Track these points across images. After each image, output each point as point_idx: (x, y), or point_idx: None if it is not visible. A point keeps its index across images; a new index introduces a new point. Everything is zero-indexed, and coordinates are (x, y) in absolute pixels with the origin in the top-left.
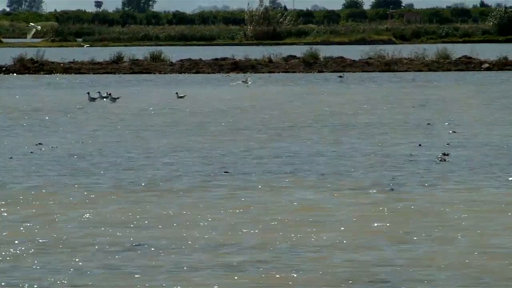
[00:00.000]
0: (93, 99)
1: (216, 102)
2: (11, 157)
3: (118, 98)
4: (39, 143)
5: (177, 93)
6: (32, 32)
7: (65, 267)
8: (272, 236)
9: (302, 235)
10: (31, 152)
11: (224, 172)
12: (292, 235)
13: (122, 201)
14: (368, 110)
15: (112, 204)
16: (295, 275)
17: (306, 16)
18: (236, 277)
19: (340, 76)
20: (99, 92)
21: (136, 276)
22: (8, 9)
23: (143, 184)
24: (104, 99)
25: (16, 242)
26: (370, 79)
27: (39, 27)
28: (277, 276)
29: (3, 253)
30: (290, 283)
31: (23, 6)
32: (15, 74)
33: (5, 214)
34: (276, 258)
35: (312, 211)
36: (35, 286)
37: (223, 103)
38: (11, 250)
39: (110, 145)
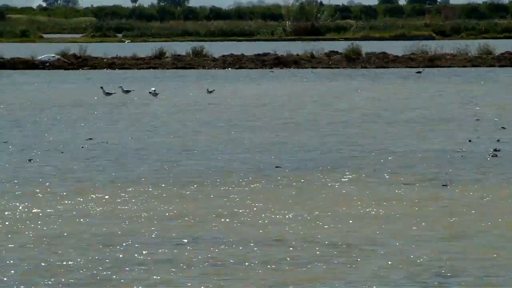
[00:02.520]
0: (108, 94)
1: (264, 97)
2: (62, 152)
3: (154, 92)
4: (89, 138)
5: (207, 89)
6: None
7: (115, 259)
8: (325, 230)
9: (356, 229)
10: (82, 147)
11: (276, 167)
12: (345, 229)
13: (173, 194)
14: (417, 106)
15: (163, 198)
16: (349, 270)
17: (343, 11)
18: (285, 272)
19: (419, 72)
20: (121, 86)
21: (186, 269)
22: (44, 4)
23: (194, 178)
24: (128, 93)
25: (63, 236)
26: (448, 74)
27: None
28: (332, 270)
29: (68, 247)
30: (345, 277)
31: (59, 1)
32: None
33: (60, 207)
34: (329, 252)
35: (365, 205)
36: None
37: (269, 98)
38: (59, 247)
39: (158, 140)
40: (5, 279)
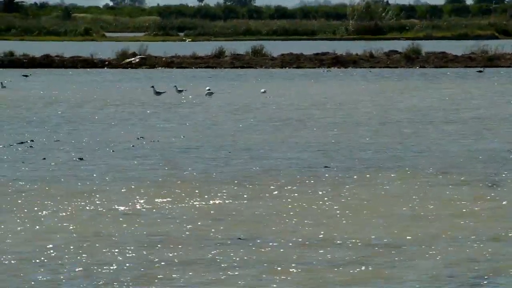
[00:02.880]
0: (158, 93)
1: (318, 97)
2: (113, 151)
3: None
4: (140, 137)
5: (264, 91)
6: None
7: (169, 259)
8: (371, 232)
9: (403, 229)
10: (133, 146)
11: (324, 166)
12: (392, 229)
13: (223, 194)
14: (476, 105)
15: (215, 197)
16: (392, 271)
17: (409, 10)
18: (330, 272)
19: (480, 71)
20: (175, 86)
21: (234, 269)
22: (111, 3)
23: (244, 177)
24: (181, 93)
25: (117, 235)
26: (510, 74)
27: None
28: (375, 271)
29: (118, 246)
30: (388, 278)
31: (126, 1)
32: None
33: (116, 206)
34: (374, 252)
35: (412, 205)
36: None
37: (324, 97)
38: (116, 245)
39: (210, 139)
40: (62, 276)
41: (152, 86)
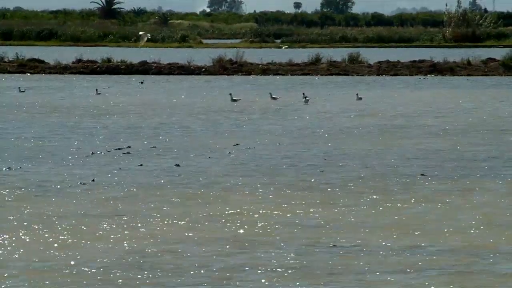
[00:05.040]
0: (235, 100)
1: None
2: (209, 157)
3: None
4: (236, 144)
5: (357, 94)
6: (144, 40)
7: (259, 264)
8: (465, 238)
9: (493, 237)
10: (229, 153)
11: (421, 174)
12: (483, 237)
13: (313, 201)
14: None
15: (309, 205)
16: (473, 277)
17: (507, 18)
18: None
19: None
20: (230, 94)
21: (323, 276)
22: (208, 10)
23: (336, 185)
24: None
25: (211, 239)
26: None
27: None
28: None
29: (199, 249)
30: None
31: (223, 7)
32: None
33: (206, 210)
34: (469, 260)
35: (496, 213)
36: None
37: (421, 105)
38: (204, 248)
39: (307, 146)
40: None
41: (230, 94)
